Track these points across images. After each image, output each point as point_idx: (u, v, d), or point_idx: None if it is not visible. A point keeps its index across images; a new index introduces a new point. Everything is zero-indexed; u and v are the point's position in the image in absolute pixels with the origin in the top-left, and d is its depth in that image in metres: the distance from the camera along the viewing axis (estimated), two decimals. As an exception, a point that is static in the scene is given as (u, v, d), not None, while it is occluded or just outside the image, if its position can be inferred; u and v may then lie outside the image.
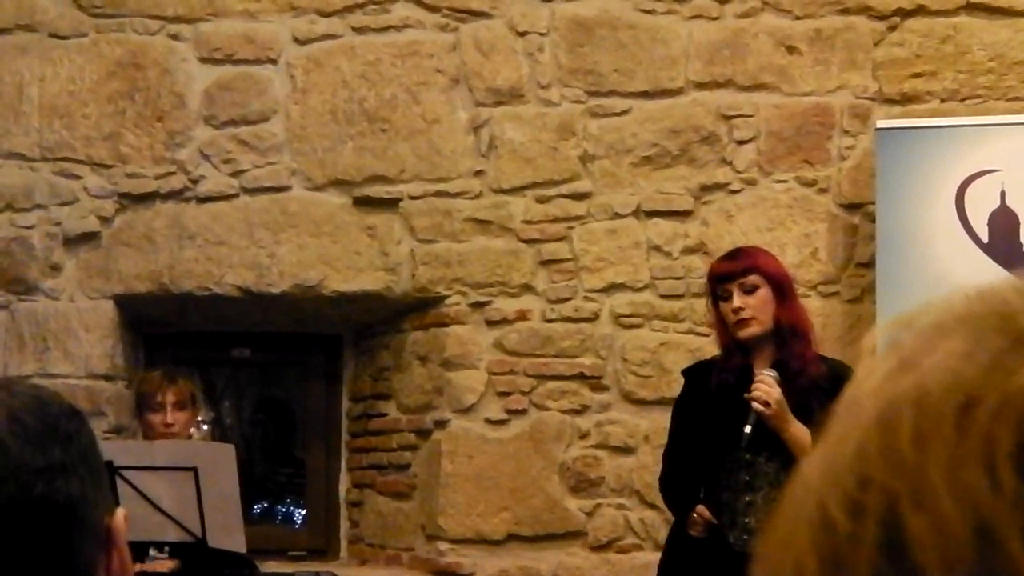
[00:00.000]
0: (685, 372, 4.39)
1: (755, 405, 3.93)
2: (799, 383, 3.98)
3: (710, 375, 4.16)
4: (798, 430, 3.95)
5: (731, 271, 4.12)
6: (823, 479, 0.55)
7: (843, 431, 0.56)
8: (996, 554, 0.50)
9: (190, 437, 4.86)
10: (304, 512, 6.03)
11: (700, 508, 4.04)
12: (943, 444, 0.51)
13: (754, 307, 4.05)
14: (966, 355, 0.53)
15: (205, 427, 5.99)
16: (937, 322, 0.56)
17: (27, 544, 1.02)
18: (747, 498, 4.00)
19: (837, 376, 4.04)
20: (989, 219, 5.15)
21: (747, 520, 3.98)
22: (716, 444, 4.06)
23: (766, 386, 3.95)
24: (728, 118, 5.53)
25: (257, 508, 6.06)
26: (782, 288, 4.13)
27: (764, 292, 4.08)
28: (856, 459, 0.54)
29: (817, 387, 3.94)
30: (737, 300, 4.06)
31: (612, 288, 5.51)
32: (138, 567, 4.46)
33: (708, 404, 4.12)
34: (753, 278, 4.09)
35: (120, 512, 1.10)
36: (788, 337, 4.06)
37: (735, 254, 4.25)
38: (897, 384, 0.55)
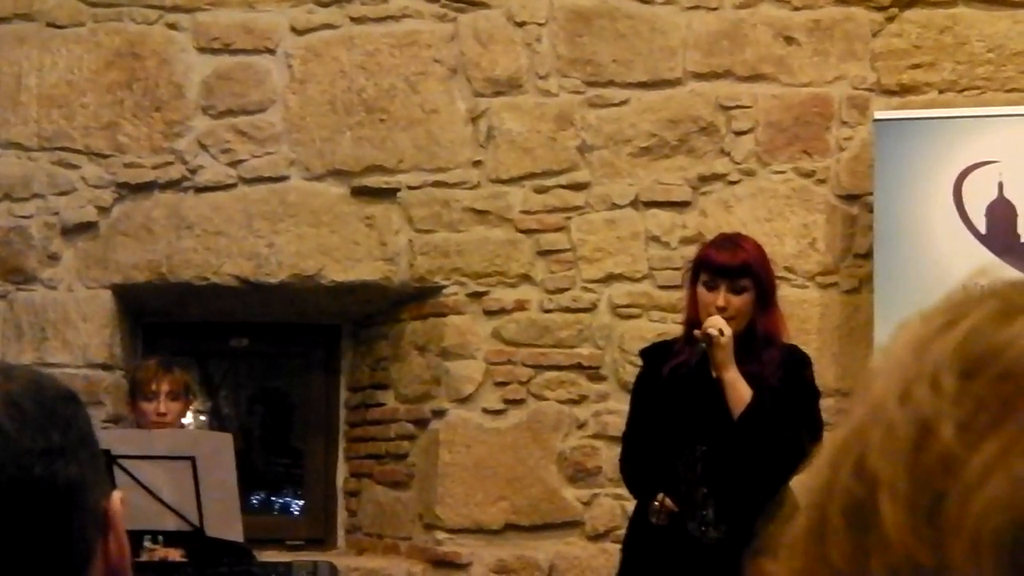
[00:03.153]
0: (643, 353, 4.38)
1: (709, 330, 3.93)
2: (752, 385, 3.99)
3: (667, 357, 4.16)
4: (738, 379, 3.96)
5: (726, 266, 4.07)
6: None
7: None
8: (930, 443, 0.57)
9: (182, 427, 4.87)
10: (302, 502, 6.04)
11: (663, 497, 4.02)
12: (901, 374, 0.60)
13: (737, 308, 4.04)
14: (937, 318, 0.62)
15: (202, 417, 6.00)
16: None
17: (26, 527, 1.02)
18: (704, 490, 4.00)
19: (789, 361, 4.07)
20: (987, 210, 5.15)
21: (704, 512, 4.00)
22: (672, 434, 4.06)
23: (720, 321, 3.97)
24: (727, 109, 5.53)
25: (255, 498, 6.07)
26: (767, 295, 4.11)
27: (749, 296, 4.07)
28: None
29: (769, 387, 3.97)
30: (723, 299, 4.03)
31: (610, 278, 5.51)
32: (144, 556, 4.47)
33: (662, 390, 4.12)
34: (745, 281, 4.06)
35: (117, 495, 1.10)
36: (761, 344, 4.06)
37: (733, 247, 4.16)
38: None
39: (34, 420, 1.05)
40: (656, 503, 4.02)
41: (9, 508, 1.02)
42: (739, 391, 3.96)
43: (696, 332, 4.00)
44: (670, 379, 4.09)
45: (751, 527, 3.65)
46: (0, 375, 1.08)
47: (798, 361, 4.14)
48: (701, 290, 4.09)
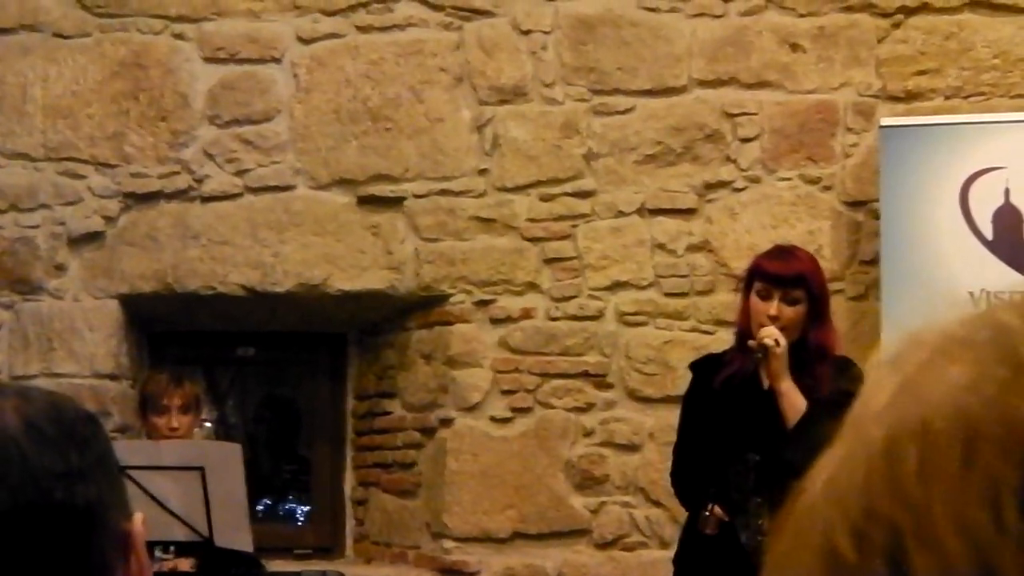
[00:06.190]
0: (692, 366, 4.38)
1: (765, 340, 3.93)
2: (805, 397, 3.98)
3: (717, 369, 4.16)
4: (793, 389, 3.96)
5: (781, 276, 4.06)
6: (829, 503, 0.56)
7: (849, 454, 0.57)
8: None
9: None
10: (309, 510, 6.03)
11: (712, 506, 4.01)
12: (948, 480, 0.52)
13: (789, 319, 4.03)
14: (970, 387, 0.54)
15: (208, 425, 6.00)
16: (940, 345, 0.57)
17: (46, 549, 1.02)
18: (757, 499, 3.99)
19: (842, 374, 4.04)
20: (993, 216, 5.15)
21: (760, 521, 3.98)
22: (723, 444, 4.05)
23: (775, 331, 3.97)
24: (732, 116, 5.53)
25: (262, 506, 6.07)
26: (819, 307, 4.10)
27: (802, 308, 4.06)
28: (863, 489, 0.55)
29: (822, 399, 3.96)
30: (775, 308, 4.03)
31: (616, 286, 5.51)
32: (155, 567, 4.47)
33: (714, 401, 4.12)
34: (798, 292, 4.05)
35: (138, 517, 1.10)
36: (812, 356, 4.05)
37: (787, 257, 4.15)
38: (903, 411, 0.55)
39: (53, 442, 1.05)
40: (706, 512, 4.02)
41: (29, 531, 1.01)
42: (794, 401, 3.96)
43: (751, 342, 4.00)
44: (722, 389, 4.09)
45: None
46: (18, 397, 1.08)
47: (851, 375, 4.11)
48: (754, 299, 4.08)
